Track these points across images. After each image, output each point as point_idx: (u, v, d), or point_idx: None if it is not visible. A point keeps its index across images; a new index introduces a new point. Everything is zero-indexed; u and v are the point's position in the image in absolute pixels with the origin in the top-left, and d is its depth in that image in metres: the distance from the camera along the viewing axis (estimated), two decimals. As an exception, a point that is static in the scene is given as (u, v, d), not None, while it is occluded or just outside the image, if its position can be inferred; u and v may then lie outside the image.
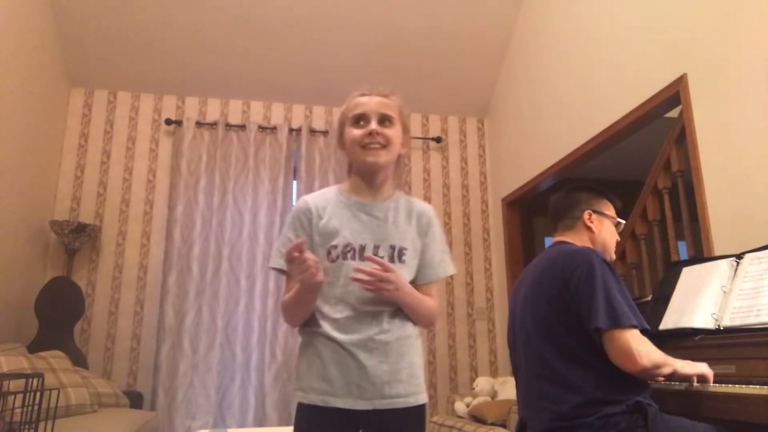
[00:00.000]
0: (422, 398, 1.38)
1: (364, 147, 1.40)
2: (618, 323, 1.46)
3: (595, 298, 1.49)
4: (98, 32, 3.89)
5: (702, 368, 1.58)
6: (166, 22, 3.88)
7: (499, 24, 4.16)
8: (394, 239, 1.41)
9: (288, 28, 3.99)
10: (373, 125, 1.40)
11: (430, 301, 1.43)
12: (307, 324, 1.40)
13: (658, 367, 1.48)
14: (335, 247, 1.38)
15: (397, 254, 1.40)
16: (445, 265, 1.48)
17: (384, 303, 1.37)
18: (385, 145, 1.41)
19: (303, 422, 1.35)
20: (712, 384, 1.57)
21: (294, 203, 4.17)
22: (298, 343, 1.45)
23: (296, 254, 1.23)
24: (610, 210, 1.85)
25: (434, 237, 1.47)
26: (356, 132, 1.41)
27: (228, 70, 4.19)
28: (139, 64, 4.10)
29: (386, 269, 1.31)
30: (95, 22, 3.83)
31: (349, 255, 1.38)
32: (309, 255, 1.26)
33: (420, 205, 1.50)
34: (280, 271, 1.41)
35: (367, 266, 1.32)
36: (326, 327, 1.36)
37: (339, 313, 1.35)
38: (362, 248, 1.38)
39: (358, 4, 3.91)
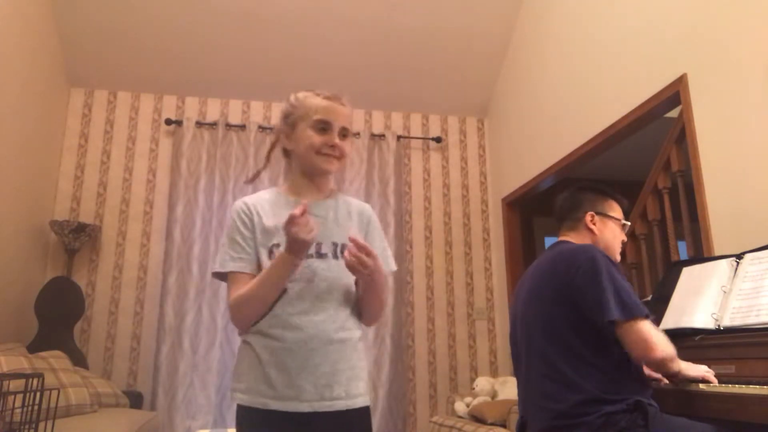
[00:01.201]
0: (362, 401, 1.36)
1: (321, 153, 1.40)
2: (632, 314, 1.48)
3: (605, 291, 1.51)
4: (98, 32, 3.89)
5: (703, 371, 1.60)
6: (166, 22, 3.88)
7: (499, 24, 4.16)
8: (336, 236, 1.41)
9: (288, 28, 3.99)
10: (337, 139, 1.41)
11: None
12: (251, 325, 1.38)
13: (671, 360, 1.52)
14: (278, 245, 1.36)
15: (339, 251, 1.39)
16: (387, 261, 1.45)
17: (326, 301, 1.35)
18: (339, 158, 1.43)
19: (244, 425, 1.32)
20: (715, 384, 1.58)
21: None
22: (240, 345, 1.41)
23: (300, 216, 1.23)
24: (614, 211, 1.84)
25: (374, 234, 1.49)
26: (316, 138, 1.40)
27: (228, 70, 4.19)
28: (139, 64, 4.10)
29: (368, 253, 1.29)
30: (95, 22, 3.83)
31: None
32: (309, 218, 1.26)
33: (358, 203, 1.52)
34: (221, 275, 1.39)
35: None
36: (268, 325, 1.33)
37: (280, 309, 1.33)
38: None
39: (359, 4, 3.91)
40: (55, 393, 2.27)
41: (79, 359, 3.39)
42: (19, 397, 1.84)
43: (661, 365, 1.52)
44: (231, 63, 4.15)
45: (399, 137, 4.51)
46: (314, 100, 1.44)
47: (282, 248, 1.32)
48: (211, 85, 4.27)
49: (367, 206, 1.53)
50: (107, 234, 4.00)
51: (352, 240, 1.29)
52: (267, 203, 1.44)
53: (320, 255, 1.37)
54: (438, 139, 4.61)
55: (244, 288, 1.33)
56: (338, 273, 1.37)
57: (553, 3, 3.69)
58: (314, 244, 1.35)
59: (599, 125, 3.15)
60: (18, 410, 1.85)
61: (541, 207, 5.18)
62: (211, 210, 4.01)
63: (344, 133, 1.44)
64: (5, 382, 1.80)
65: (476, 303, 4.41)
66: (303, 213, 1.23)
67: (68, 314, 3.52)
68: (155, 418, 3.31)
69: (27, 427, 1.84)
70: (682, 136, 2.69)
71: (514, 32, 4.22)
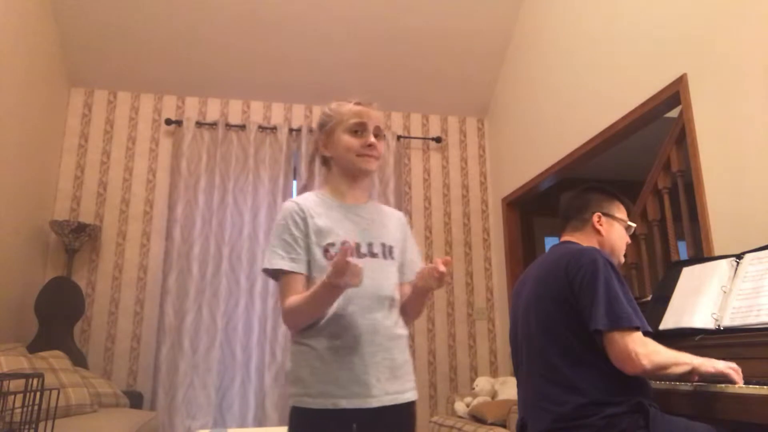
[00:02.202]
0: (416, 394, 1.46)
1: (360, 155, 1.47)
2: (617, 325, 1.44)
3: (597, 299, 1.48)
4: (98, 32, 3.89)
5: (722, 367, 1.51)
6: (166, 22, 3.88)
7: (499, 24, 4.16)
8: (384, 238, 1.49)
9: (288, 28, 3.99)
10: (372, 138, 1.48)
11: None
12: (306, 326, 1.39)
13: (662, 368, 1.46)
14: (332, 245, 1.41)
15: (388, 251, 1.48)
16: (421, 263, 1.57)
17: (383, 299, 1.42)
18: (377, 157, 1.50)
19: (306, 426, 1.35)
20: (740, 383, 1.49)
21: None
22: (292, 348, 1.43)
23: (348, 260, 1.21)
24: (621, 212, 1.84)
25: (411, 238, 1.60)
26: (353, 140, 1.47)
27: (228, 70, 4.19)
28: (139, 64, 4.10)
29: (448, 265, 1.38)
30: (95, 22, 3.83)
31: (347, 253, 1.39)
32: (355, 260, 1.24)
33: (393, 210, 1.62)
34: (273, 273, 1.41)
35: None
36: (327, 326, 1.37)
37: (342, 310, 1.37)
38: (358, 246, 1.43)
39: (359, 4, 3.91)
40: (55, 393, 2.27)
41: (79, 359, 3.39)
42: (19, 397, 1.84)
43: (648, 376, 1.47)
44: (231, 63, 4.15)
45: (399, 137, 4.51)
46: (347, 107, 1.51)
47: (335, 249, 1.39)
48: (211, 85, 4.27)
49: (401, 213, 1.63)
50: (107, 234, 4.00)
51: (444, 261, 1.35)
52: (315, 204, 1.48)
53: (373, 254, 1.45)
54: (438, 139, 4.61)
55: (295, 299, 1.36)
56: (388, 272, 1.46)
57: (553, 3, 3.69)
58: (366, 244, 1.44)
59: (599, 125, 3.15)
60: (18, 410, 1.85)
61: (541, 207, 5.19)
62: (211, 210, 4.01)
63: (377, 133, 1.51)
64: (5, 382, 1.80)
65: (476, 303, 4.41)
66: (348, 253, 1.22)
67: (68, 314, 3.52)
68: (155, 418, 3.31)
69: (27, 427, 1.84)
70: (682, 136, 2.69)
71: (514, 32, 4.22)
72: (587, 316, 1.50)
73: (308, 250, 1.41)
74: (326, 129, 1.51)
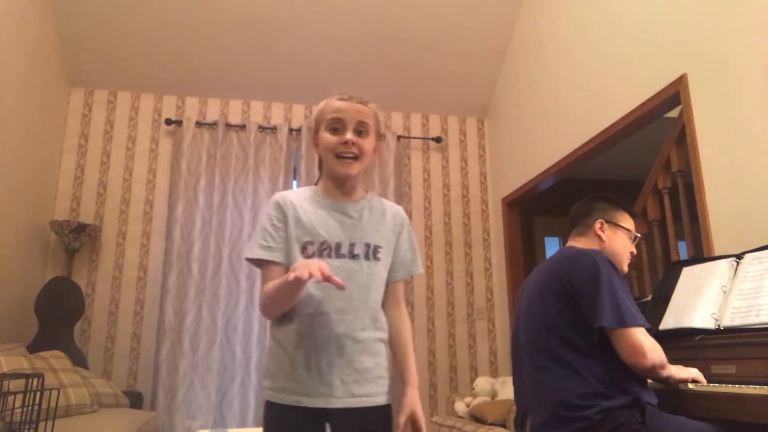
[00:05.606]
0: (386, 399, 1.40)
1: (338, 156, 1.41)
2: (624, 323, 1.51)
3: (601, 297, 1.53)
4: (98, 32, 3.89)
5: (694, 372, 1.64)
6: (166, 21, 3.88)
7: (499, 23, 4.16)
8: (369, 237, 1.43)
9: (288, 28, 3.99)
10: (349, 135, 1.41)
11: (407, 334, 1.48)
12: (279, 322, 1.40)
13: (662, 367, 1.55)
14: (311, 243, 1.39)
15: (372, 252, 1.42)
16: (416, 264, 1.52)
17: (357, 302, 1.38)
18: (358, 156, 1.43)
19: (273, 421, 1.36)
20: (705, 383, 1.62)
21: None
22: (269, 342, 1.44)
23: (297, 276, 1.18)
24: (626, 222, 1.90)
25: (406, 236, 1.52)
26: (331, 138, 1.42)
27: (228, 69, 4.19)
28: (139, 64, 4.10)
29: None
30: (95, 22, 3.83)
31: (324, 252, 1.39)
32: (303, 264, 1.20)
33: (392, 206, 1.55)
34: (257, 262, 1.41)
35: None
36: (298, 324, 1.36)
37: (312, 309, 1.35)
38: (338, 246, 1.40)
39: (359, 4, 3.91)
40: (55, 393, 2.27)
41: (79, 359, 3.39)
42: (19, 397, 1.84)
43: (651, 372, 1.55)
44: (231, 63, 4.15)
45: (399, 137, 4.51)
46: (330, 103, 1.47)
47: (316, 246, 1.37)
48: (211, 85, 4.27)
49: (400, 209, 1.55)
50: (107, 234, 4.00)
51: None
52: (304, 200, 1.46)
53: (353, 256, 1.40)
54: (438, 139, 4.60)
55: (267, 286, 1.35)
56: (369, 274, 1.41)
57: (553, 3, 3.69)
58: (348, 244, 1.40)
59: (599, 125, 3.15)
60: (18, 410, 1.85)
61: (541, 207, 5.19)
62: (211, 210, 4.01)
63: (361, 129, 1.43)
64: (5, 382, 1.80)
65: (476, 303, 4.41)
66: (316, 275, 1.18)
67: (68, 314, 3.52)
68: (155, 418, 3.31)
69: (27, 427, 1.84)
70: (682, 136, 2.70)
71: (514, 32, 4.22)
72: (590, 311, 1.55)
73: (288, 242, 1.40)
74: (314, 127, 1.49)
